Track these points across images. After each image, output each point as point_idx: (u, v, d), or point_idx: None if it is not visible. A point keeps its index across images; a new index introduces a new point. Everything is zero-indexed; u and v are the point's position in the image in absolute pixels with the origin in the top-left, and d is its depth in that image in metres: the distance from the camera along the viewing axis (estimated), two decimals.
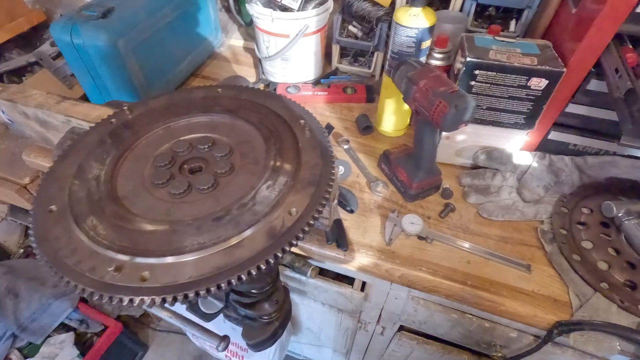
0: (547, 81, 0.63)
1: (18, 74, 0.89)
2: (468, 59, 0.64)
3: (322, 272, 0.82)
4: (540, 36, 0.79)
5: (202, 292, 0.30)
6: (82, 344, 1.34)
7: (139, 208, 0.37)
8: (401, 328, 0.88)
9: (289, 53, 0.94)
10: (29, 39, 0.94)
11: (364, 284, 0.79)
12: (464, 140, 0.77)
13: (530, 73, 0.63)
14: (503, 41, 0.70)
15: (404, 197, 0.75)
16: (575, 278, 0.61)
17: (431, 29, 0.69)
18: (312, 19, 0.89)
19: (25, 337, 1.27)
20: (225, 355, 1.05)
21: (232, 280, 0.31)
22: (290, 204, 0.36)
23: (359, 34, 0.99)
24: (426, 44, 0.71)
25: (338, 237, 0.67)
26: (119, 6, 0.79)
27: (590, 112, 0.68)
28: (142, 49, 0.82)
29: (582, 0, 0.64)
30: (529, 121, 0.70)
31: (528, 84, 0.64)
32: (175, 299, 0.30)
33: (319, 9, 0.89)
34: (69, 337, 1.30)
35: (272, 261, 0.32)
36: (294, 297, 0.91)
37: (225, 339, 0.67)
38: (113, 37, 0.74)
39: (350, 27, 0.99)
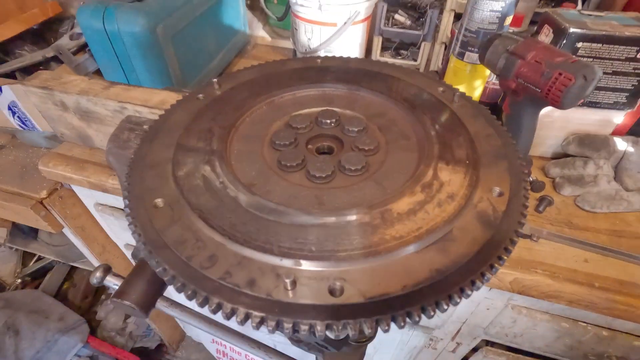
0: None
1: (32, 73, 0.77)
2: (571, 29, 0.57)
3: None
4: (620, 10, 0.74)
5: (429, 308, 0.20)
6: None
7: (279, 196, 0.27)
8: (483, 343, 0.77)
9: (335, 44, 0.86)
10: (42, 34, 0.83)
11: None
12: (548, 127, 0.69)
13: None
14: (590, 15, 0.63)
15: None
16: None
17: (516, 3, 0.62)
18: (362, 4, 0.81)
19: None
20: None
21: (466, 289, 0.21)
22: (488, 183, 0.27)
23: (407, 22, 0.92)
24: (509, 19, 0.64)
25: None
26: None
27: None
28: (180, 39, 0.72)
29: None
30: (631, 99, 0.63)
31: (638, 56, 0.57)
32: (394, 320, 0.20)
33: None
34: None
35: (504, 258, 0.22)
36: None
37: None
38: (152, 22, 0.64)
39: (397, 16, 0.92)
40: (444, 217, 0.24)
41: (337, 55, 0.86)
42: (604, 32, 0.56)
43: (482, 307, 0.67)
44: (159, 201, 0.26)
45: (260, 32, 1.15)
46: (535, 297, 0.56)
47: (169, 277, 0.22)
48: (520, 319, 0.64)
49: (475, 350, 0.80)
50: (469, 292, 0.21)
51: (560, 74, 0.49)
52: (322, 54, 0.89)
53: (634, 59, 0.58)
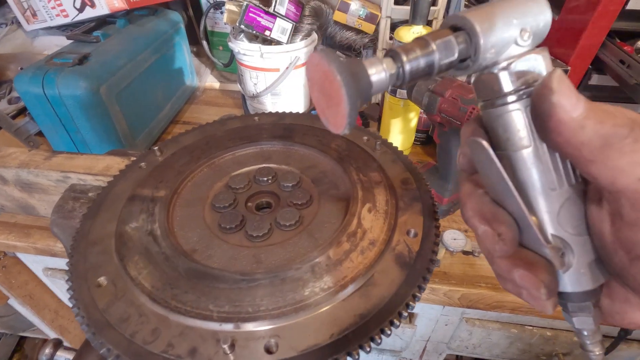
0: None
1: None
2: None
3: None
4: None
5: (354, 352, 0.23)
6: None
7: (219, 260, 0.29)
8: (449, 357, 0.81)
9: (280, 87, 0.91)
10: None
11: (409, 315, 0.72)
12: None
13: None
14: None
15: None
16: None
17: None
18: (302, 50, 0.88)
19: None
20: None
21: (386, 329, 0.24)
22: (404, 225, 0.31)
23: None
24: None
25: None
26: (94, 52, 0.71)
27: None
28: (125, 96, 0.74)
29: (563, 8, 0.70)
30: None
31: None
32: None
33: (307, 40, 0.89)
34: None
35: (418, 296, 0.26)
36: None
37: None
38: (95, 84, 0.65)
39: None
40: (366, 263, 0.27)
41: (282, 100, 0.90)
42: None
43: (440, 324, 0.71)
44: (102, 279, 0.27)
45: (209, 78, 1.18)
46: (483, 309, 0.60)
47: (113, 357, 0.23)
48: (475, 331, 0.69)
49: None
50: (389, 332, 0.24)
51: (473, 109, 0.56)
52: (268, 97, 0.93)
53: None
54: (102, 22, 0.84)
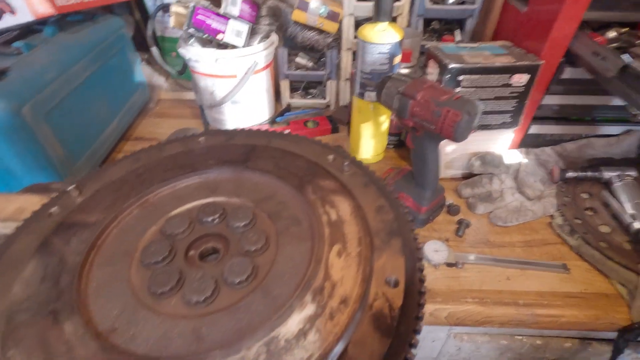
0: (528, 75, 0.63)
1: None
2: (451, 65, 0.61)
3: None
4: (490, 40, 0.82)
5: None
6: None
7: (145, 342, 0.22)
8: None
9: (239, 94, 0.84)
10: None
11: None
12: (453, 151, 0.73)
13: (512, 70, 0.62)
14: (466, 47, 0.69)
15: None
16: (614, 266, 0.58)
17: (401, 43, 0.66)
18: (260, 54, 0.81)
19: None
20: None
21: None
22: (382, 271, 0.25)
23: (309, 64, 0.93)
24: (398, 58, 0.67)
25: None
26: (15, 66, 0.61)
27: (563, 100, 0.70)
28: (57, 115, 0.64)
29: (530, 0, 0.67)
30: (515, 118, 0.68)
31: (510, 82, 0.63)
32: None
33: (266, 42, 0.82)
34: None
35: None
36: None
37: None
38: (15, 103, 0.56)
39: (298, 59, 0.93)
40: (336, 332, 0.21)
41: (243, 109, 0.83)
42: (478, 65, 0.61)
43: (427, 341, 0.66)
44: None
45: (163, 87, 1.09)
46: (471, 326, 0.56)
47: None
48: (463, 346, 0.65)
49: None
50: None
51: (448, 111, 0.51)
52: (228, 106, 0.86)
53: (509, 85, 0.63)
54: (28, 31, 0.74)
